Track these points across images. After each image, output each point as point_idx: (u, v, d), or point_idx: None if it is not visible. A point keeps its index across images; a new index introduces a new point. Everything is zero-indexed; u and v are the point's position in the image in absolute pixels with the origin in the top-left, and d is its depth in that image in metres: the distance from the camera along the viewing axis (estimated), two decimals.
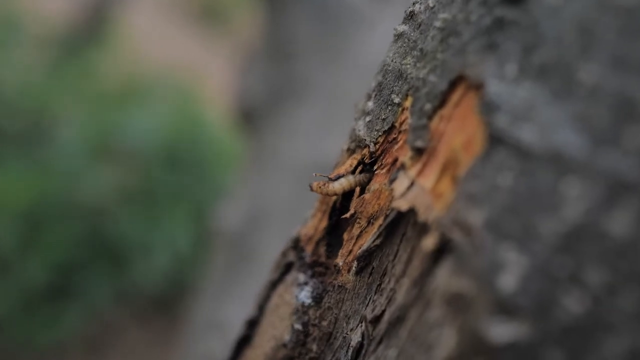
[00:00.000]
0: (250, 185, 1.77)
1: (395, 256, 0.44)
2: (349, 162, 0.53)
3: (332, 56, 1.70)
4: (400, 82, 0.48)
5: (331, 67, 1.69)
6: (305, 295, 0.51)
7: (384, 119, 0.49)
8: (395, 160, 0.47)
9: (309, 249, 0.54)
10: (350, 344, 0.48)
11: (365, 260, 0.48)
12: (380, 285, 0.46)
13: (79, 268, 2.59)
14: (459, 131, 0.39)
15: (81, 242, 2.59)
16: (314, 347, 0.51)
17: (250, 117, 1.86)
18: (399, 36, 0.49)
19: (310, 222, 0.56)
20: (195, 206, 2.82)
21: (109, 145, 2.78)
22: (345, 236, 0.51)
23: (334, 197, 0.54)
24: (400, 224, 0.45)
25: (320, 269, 0.53)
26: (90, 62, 3.40)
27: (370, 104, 0.51)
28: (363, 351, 0.46)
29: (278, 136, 1.74)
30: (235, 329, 0.65)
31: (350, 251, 0.50)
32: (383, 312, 0.43)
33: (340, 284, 0.51)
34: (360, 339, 0.46)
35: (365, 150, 0.51)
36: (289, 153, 1.68)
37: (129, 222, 2.65)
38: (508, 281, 0.31)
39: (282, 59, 1.78)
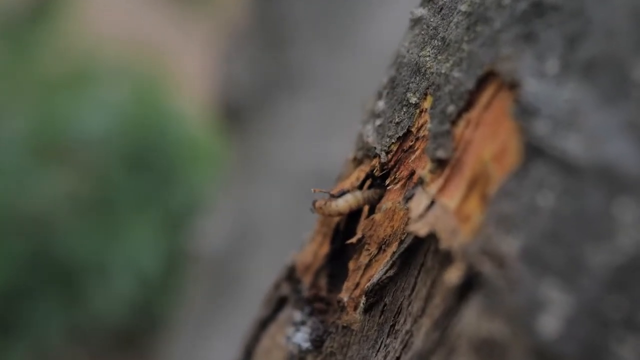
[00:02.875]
0: (236, 196, 1.78)
1: (412, 291, 0.45)
2: (355, 174, 0.53)
3: (336, 40, 1.70)
4: (417, 78, 0.48)
5: (335, 53, 1.69)
6: (302, 338, 0.51)
7: (397, 123, 0.49)
8: (412, 173, 0.48)
9: (306, 280, 0.55)
10: None
11: (376, 295, 0.48)
12: (394, 326, 0.46)
13: (23, 295, 2.59)
14: (490, 139, 0.39)
15: (25, 262, 2.58)
16: None
17: (236, 113, 1.86)
18: (416, 22, 0.50)
19: (308, 247, 0.56)
20: (165, 218, 2.81)
21: (58, 143, 2.77)
22: (351, 265, 0.51)
23: (338, 218, 0.54)
24: (418, 252, 0.45)
25: (320, 306, 0.53)
26: (34, 44, 3.40)
27: (381, 104, 0.51)
28: None
29: (270, 137, 1.75)
30: None
31: (358, 284, 0.50)
32: (397, 359, 0.44)
33: (345, 325, 0.51)
34: None
35: (375, 161, 0.51)
36: (283, 157, 1.69)
37: (82, 237, 2.64)
38: (550, 324, 0.32)
39: (275, 43, 1.78)
